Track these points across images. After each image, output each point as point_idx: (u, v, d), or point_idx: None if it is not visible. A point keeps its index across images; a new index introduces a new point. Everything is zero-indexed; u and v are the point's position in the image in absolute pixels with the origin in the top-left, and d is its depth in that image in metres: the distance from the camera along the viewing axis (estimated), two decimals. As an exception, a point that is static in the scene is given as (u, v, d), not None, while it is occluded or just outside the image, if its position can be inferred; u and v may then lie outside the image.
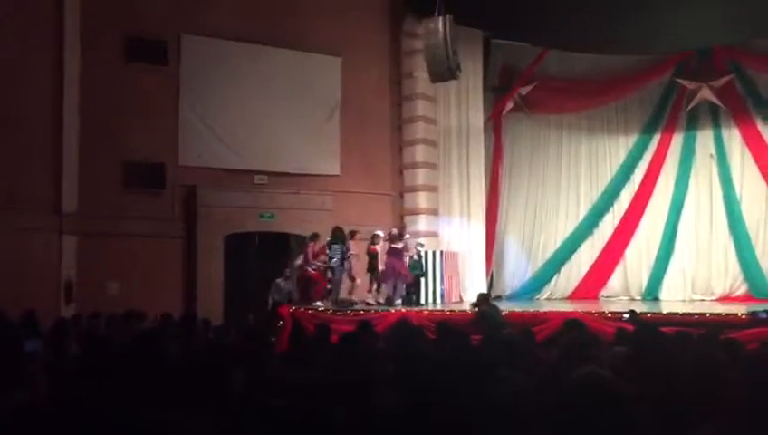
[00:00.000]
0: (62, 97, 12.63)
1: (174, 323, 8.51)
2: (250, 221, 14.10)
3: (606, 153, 16.37)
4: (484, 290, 14.33)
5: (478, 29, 15.34)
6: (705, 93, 15.03)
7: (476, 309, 10.53)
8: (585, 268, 16.14)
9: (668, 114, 15.67)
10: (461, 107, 15.75)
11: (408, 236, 13.52)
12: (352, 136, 15.20)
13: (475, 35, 15.36)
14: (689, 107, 15.29)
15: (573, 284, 16.17)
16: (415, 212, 15.49)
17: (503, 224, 16.75)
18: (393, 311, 11.37)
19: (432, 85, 14.23)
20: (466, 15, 13.06)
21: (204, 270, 13.47)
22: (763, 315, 9.59)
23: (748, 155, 15.00)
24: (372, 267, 12.97)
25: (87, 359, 4.73)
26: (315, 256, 12.55)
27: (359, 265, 13.01)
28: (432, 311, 12.04)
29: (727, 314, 10.32)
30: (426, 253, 13.79)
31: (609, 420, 2.23)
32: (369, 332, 6.33)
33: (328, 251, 12.43)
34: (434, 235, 15.29)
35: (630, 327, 7.28)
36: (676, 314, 10.49)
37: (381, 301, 12.70)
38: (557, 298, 16.05)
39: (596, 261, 16.06)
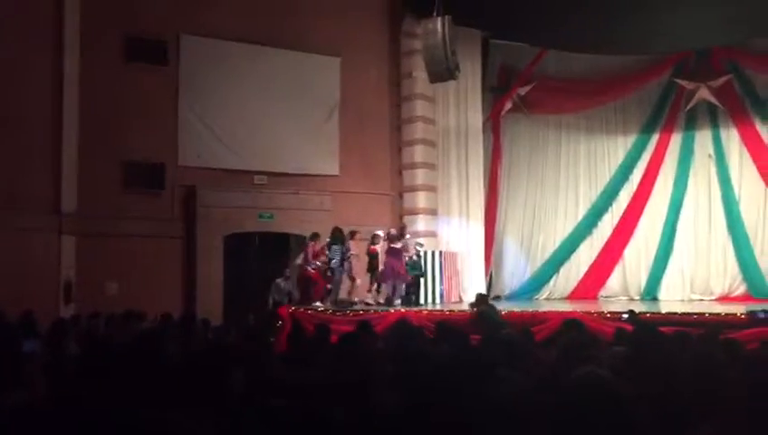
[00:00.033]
0: (62, 97, 12.64)
1: (173, 323, 8.51)
2: (249, 221, 14.10)
3: (605, 153, 16.39)
4: (483, 290, 14.37)
5: (477, 29, 15.35)
6: (704, 93, 15.05)
7: (475, 309, 10.53)
8: (584, 268, 16.15)
9: (667, 114, 15.69)
10: (460, 107, 15.76)
11: (408, 236, 13.52)
12: (351, 136, 15.20)
13: (473, 36, 15.37)
14: (688, 107, 15.31)
15: (572, 284, 16.19)
16: (414, 212, 15.49)
17: (502, 224, 16.76)
18: (392, 311, 11.37)
19: (431, 85, 14.23)
20: (465, 16, 13.07)
21: (203, 270, 13.47)
22: (762, 315, 9.60)
23: (746, 155, 15.03)
24: (372, 267, 12.97)
25: (86, 359, 4.72)
26: (315, 255, 12.55)
27: (359, 265, 13.02)
28: (431, 311, 12.04)
29: (726, 314, 10.33)
30: (425, 253, 13.80)
31: (609, 420, 2.23)
32: (369, 332, 6.33)
33: (327, 252, 12.43)
34: (433, 235, 15.29)
35: (629, 327, 7.29)
36: (675, 313, 10.51)
37: (381, 301, 12.71)
38: (556, 298, 16.06)
39: (595, 261, 16.08)
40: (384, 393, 3.45)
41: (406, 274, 12.86)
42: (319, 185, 14.75)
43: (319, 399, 3.10)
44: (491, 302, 11.99)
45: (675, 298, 14.96)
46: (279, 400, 2.95)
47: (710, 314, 10.48)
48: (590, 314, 10.03)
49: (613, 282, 15.92)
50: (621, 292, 15.79)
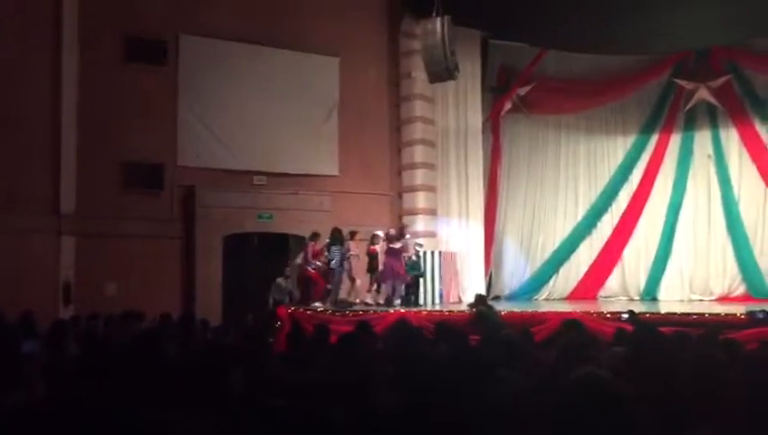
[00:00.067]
0: (61, 97, 12.62)
1: (172, 323, 8.50)
2: (249, 222, 14.10)
3: (604, 153, 16.39)
4: (483, 290, 14.38)
5: (476, 29, 15.35)
6: (703, 94, 15.05)
7: (473, 310, 10.53)
8: (584, 268, 16.15)
9: (666, 114, 15.70)
10: (459, 107, 15.76)
11: (408, 236, 13.51)
12: (351, 136, 15.20)
13: (473, 36, 15.36)
14: (687, 107, 15.31)
15: (572, 284, 16.19)
16: (413, 212, 15.48)
17: (501, 224, 16.75)
18: (392, 311, 11.37)
19: (430, 86, 14.23)
20: (464, 16, 13.07)
21: (202, 270, 13.46)
22: (761, 315, 9.61)
23: (746, 155, 15.03)
24: (372, 268, 12.97)
25: (85, 360, 4.72)
26: (315, 255, 12.55)
27: (359, 265, 13.02)
28: (431, 311, 12.04)
29: (726, 315, 10.33)
30: (424, 253, 13.80)
31: (608, 420, 2.23)
32: (368, 332, 6.32)
33: (327, 253, 12.43)
34: (432, 235, 15.29)
35: (629, 327, 7.29)
36: (675, 314, 10.51)
37: (381, 301, 12.70)
38: (555, 298, 16.06)
39: (594, 261, 16.08)
40: (383, 394, 3.45)
41: (405, 274, 12.85)
42: (318, 185, 14.75)
43: (318, 399, 3.10)
44: (490, 302, 12.00)
45: (674, 298, 14.96)
46: (278, 400, 2.95)
47: (710, 314, 10.49)
48: (589, 314, 10.04)
49: (613, 282, 15.92)
50: (621, 292, 15.79)
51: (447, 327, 6.68)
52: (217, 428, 2.73)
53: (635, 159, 15.98)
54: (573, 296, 15.89)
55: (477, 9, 13.63)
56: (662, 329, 6.71)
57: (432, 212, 15.62)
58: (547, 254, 16.48)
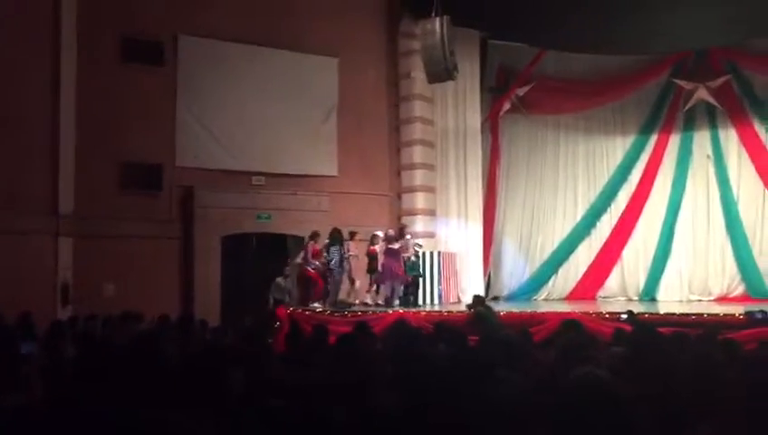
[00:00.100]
0: (59, 98, 12.60)
1: (171, 324, 8.48)
2: (247, 222, 14.09)
3: (603, 154, 16.40)
4: (482, 291, 14.40)
5: (475, 30, 15.34)
6: (702, 94, 15.06)
7: (472, 311, 10.53)
8: (583, 269, 16.16)
9: (665, 115, 15.71)
10: (458, 108, 15.76)
11: (409, 236, 13.51)
12: (350, 137, 15.19)
13: (472, 36, 15.36)
14: (686, 107, 15.32)
15: (571, 284, 16.19)
16: (412, 213, 15.48)
17: (500, 224, 16.75)
18: (391, 312, 11.37)
19: (429, 86, 14.23)
20: (463, 16, 13.06)
21: (201, 271, 13.45)
22: (759, 315, 9.62)
23: (745, 155, 15.05)
24: (372, 268, 12.97)
25: (84, 361, 4.71)
26: (315, 255, 12.55)
27: (359, 266, 13.02)
28: (430, 312, 12.05)
29: (725, 315, 10.35)
30: (423, 254, 13.79)
31: (607, 420, 2.23)
32: (367, 333, 6.32)
33: (326, 254, 12.43)
34: (431, 235, 15.29)
35: (628, 328, 7.29)
36: (674, 314, 10.53)
37: (380, 302, 12.70)
38: (555, 299, 16.07)
39: (593, 261, 16.08)
40: (382, 394, 3.45)
41: (404, 274, 12.85)
42: (317, 186, 14.74)
43: (317, 399, 3.10)
44: (488, 303, 12.00)
45: (673, 299, 14.96)
46: (277, 400, 2.95)
47: (708, 314, 10.50)
48: (588, 314, 10.05)
49: (612, 282, 15.93)
50: (620, 292, 15.80)
51: (446, 327, 6.68)
52: (217, 428, 2.72)
53: (634, 160, 15.99)
54: (572, 297, 15.89)
55: (476, 9, 13.63)
56: (661, 329, 6.72)
57: (431, 212, 15.62)
58: (546, 254, 16.48)
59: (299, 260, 12.88)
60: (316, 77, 14.97)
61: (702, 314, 10.32)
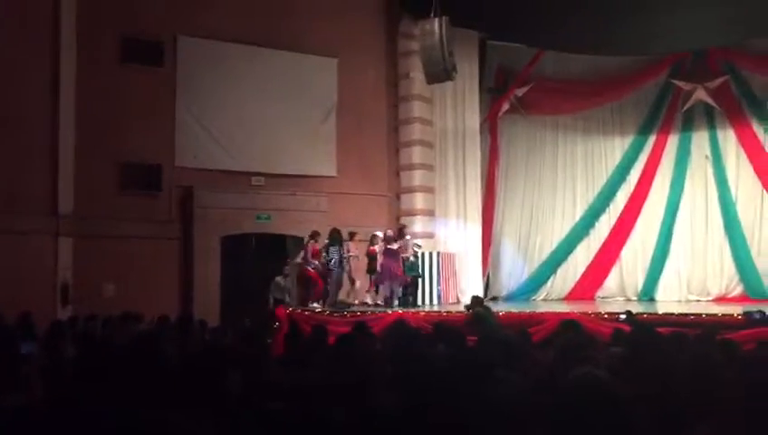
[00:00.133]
0: (59, 98, 12.61)
1: (171, 324, 8.49)
2: (246, 223, 14.09)
3: (602, 154, 16.41)
4: (481, 291, 14.40)
5: (474, 30, 15.34)
6: (700, 94, 15.07)
7: (470, 311, 10.53)
8: (581, 269, 16.17)
9: (664, 115, 15.72)
10: (457, 108, 15.77)
11: (408, 236, 13.51)
12: (349, 137, 15.20)
13: (471, 37, 15.36)
14: (684, 108, 15.33)
15: (570, 284, 16.20)
16: (411, 213, 15.49)
17: (499, 225, 16.76)
18: (390, 312, 11.38)
19: (428, 87, 14.24)
20: (462, 17, 13.07)
21: (200, 271, 13.45)
22: (758, 316, 9.63)
23: (743, 156, 15.05)
24: (372, 269, 12.98)
25: (83, 361, 4.72)
26: (314, 255, 12.56)
27: (359, 266, 13.02)
28: (429, 312, 12.06)
29: (723, 315, 10.36)
30: (422, 254, 13.80)
31: (606, 420, 2.24)
32: (366, 333, 6.32)
33: (325, 254, 12.44)
34: (430, 236, 15.30)
35: (627, 328, 7.29)
36: (672, 314, 10.53)
37: (380, 302, 12.71)
38: (553, 299, 16.08)
39: (592, 262, 16.09)
40: (382, 395, 3.45)
41: (402, 275, 12.85)
42: (316, 186, 14.74)
43: (316, 400, 3.10)
44: (487, 304, 11.99)
45: (672, 299, 14.98)
46: (276, 402, 2.95)
47: (707, 314, 10.51)
48: (587, 314, 10.06)
49: (610, 283, 15.94)
50: (618, 293, 15.81)
51: (445, 328, 6.68)
52: (217, 428, 2.73)
53: (632, 160, 16.00)
54: (571, 297, 15.91)
55: (475, 10, 13.64)
56: (659, 329, 6.72)
57: (430, 213, 15.63)
58: (545, 254, 16.49)
59: (299, 260, 12.89)
60: (315, 77, 14.98)
61: (700, 315, 10.32)
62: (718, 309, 11.82)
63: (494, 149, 16.67)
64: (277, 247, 14.37)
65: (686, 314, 10.30)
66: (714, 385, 3.32)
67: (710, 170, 15.31)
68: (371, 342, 6.13)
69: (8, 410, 3.05)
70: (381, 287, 12.84)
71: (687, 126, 15.54)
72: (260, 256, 14.26)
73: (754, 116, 14.93)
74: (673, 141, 15.65)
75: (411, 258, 13.22)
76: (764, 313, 9.69)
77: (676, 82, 15.36)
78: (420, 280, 13.62)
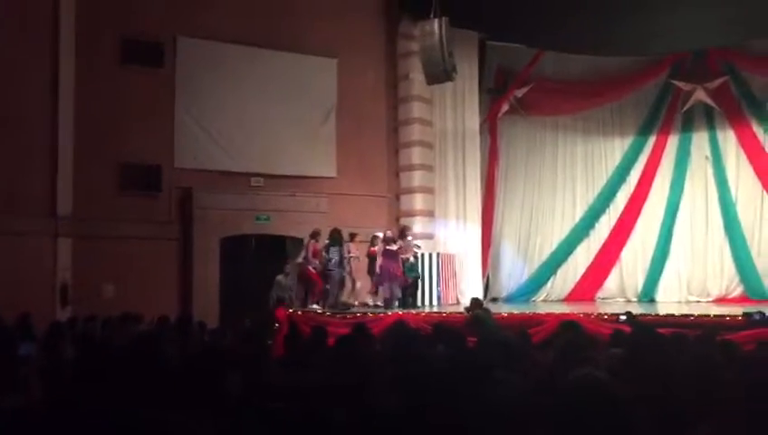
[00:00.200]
0: (58, 99, 12.60)
1: (170, 325, 8.48)
2: (246, 224, 14.09)
3: (601, 155, 16.40)
4: (481, 292, 14.39)
5: (474, 31, 15.33)
6: (700, 95, 15.06)
7: (470, 313, 10.52)
8: (581, 270, 16.15)
9: (663, 116, 15.70)
10: (457, 109, 15.76)
11: (410, 238, 13.50)
12: (349, 138, 15.20)
13: (470, 37, 15.36)
14: (684, 109, 15.31)
15: (570, 285, 16.19)
16: (411, 214, 15.49)
17: (499, 226, 16.76)
18: (389, 313, 11.37)
19: (428, 87, 14.23)
20: (462, 17, 13.07)
21: (200, 272, 13.44)
22: (758, 317, 9.62)
23: (743, 156, 15.04)
24: (372, 269, 12.96)
25: (83, 362, 4.71)
26: (315, 254, 12.55)
27: (359, 267, 13.01)
28: (429, 313, 12.05)
29: (723, 316, 10.34)
30: (422, 255, 13.79)
31: (606, 421, 2.23)
32: (365, 334, 6.31)
33: (325, 254, 12.43)
34: (430, 237, 15.29)
35: (627, 329, 7.29)
36: (673, 315, 10.52)
37: (380, 303, 12.70)
38: (553, 300, 16.06)
39: (592, 263, 16.08)
40: (381, 396, 3.45)
41: (402, 275, 12.83)
42: (316, 187, 14.74)
43: (317, 401, 3.10)
44: (486, 306, 11.97)
45: (672, 300, 14.95)
46: (276, 402, 2.95)
47: (707, 315, 10.50)
48: (587, 315, 10.06)
49: (610, 284, 15.92)
50: (618, 293, 15.79)
51: (445, 329, 6.68)
52: (216, 429, 2.72)
53: (632, 161, 15.99)
54: (571, 298, 15.89)
55: (475, 11, 13.65)
56: (660, 330, 6.70)
57: (430, 214, 15.62)
58: (545, 255, 16.48)
59: (300, 259, 12.88)
60: (315, 78, 14.98)
61: (701, 316, 10.32)
62: (718, 310, 11.79)
63: (493, 149, 16.66)
64: (277, 248, 14.36)
65: (687, 315, 10.29)
66: (714, 386, 3.31)
67: (710, 171, 15.29)
68: (371, 343, 6.12)
69: (7, 412, 3.05)
70: (381, 288, 12.83)
71: (687, 127, 15.53)
72: (259, 257, 14.26)
73: (754, 117, 14.91)
74: (673, 142, 15.64)
75: (411, 259, 13.21)
76: (764, 313, 9.69)
77: (675, 82, 15.35)
78: (420, 281, 13.61)
